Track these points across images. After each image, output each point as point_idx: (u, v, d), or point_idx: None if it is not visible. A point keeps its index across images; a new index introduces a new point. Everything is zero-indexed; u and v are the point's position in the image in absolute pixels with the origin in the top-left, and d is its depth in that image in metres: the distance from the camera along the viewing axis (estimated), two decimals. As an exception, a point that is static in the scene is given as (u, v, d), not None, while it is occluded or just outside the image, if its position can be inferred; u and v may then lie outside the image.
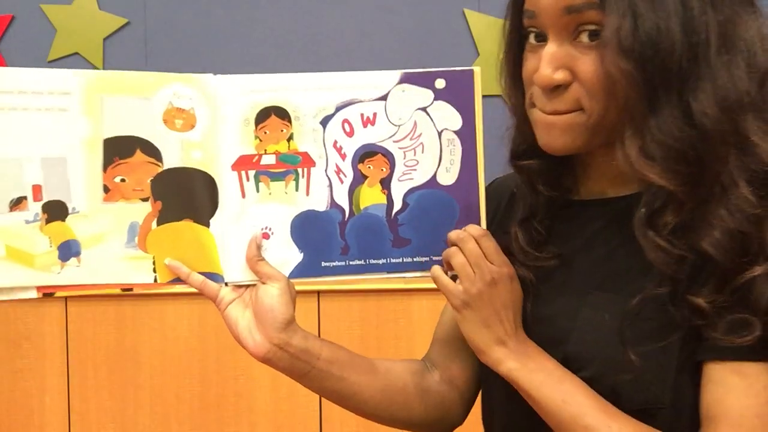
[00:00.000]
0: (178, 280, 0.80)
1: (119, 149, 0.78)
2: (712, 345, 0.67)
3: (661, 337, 0.68)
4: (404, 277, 0.83)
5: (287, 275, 0.81)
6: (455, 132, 0.82)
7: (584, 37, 0.68)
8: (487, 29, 1.95)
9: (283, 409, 1.98)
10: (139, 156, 0.78)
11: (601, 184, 0.77)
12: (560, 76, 0.69)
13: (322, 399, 1.93)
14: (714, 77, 0.65)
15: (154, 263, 0.79)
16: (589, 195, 0.78)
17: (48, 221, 0.76)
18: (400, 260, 0.82)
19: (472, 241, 0.74)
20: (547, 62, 0.69)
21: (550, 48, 0.69)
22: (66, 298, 1.96)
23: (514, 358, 0.72)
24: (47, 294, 0.78)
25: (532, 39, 0.72)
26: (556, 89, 0.70)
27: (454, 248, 0.75)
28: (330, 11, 2.08)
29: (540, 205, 0.78)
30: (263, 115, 0.81)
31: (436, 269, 0.77)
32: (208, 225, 0.80)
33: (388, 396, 0.85)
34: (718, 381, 0.67)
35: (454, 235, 0.76)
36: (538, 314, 0.76)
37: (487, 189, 0.82)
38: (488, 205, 0.82)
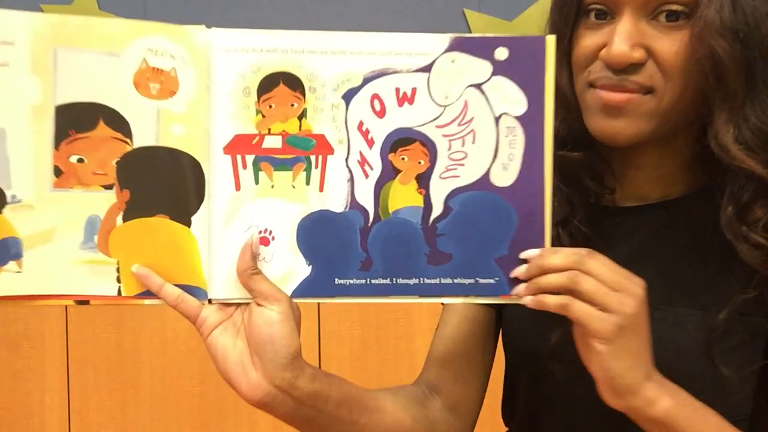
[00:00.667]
0: (147, 294, 0.61)
1: (76, 120, 0.59)
2: None
3: (747, 350, 0.66)
4: (441, 302, 0.64)
5: (290, 294, 0.62)
6: (518, 118, 0.63)
7: (662, 18, 0.65)
8: (487, 29, 1.94)
9: None
10: (102, 129, 0.59)
11: (642, 189, 0.72)
12: (638, 53, 0.65)
13: None
14: None
15: (118, 270, 0.61)
16: (627, 200, 0.73)
17: (-22, 211, 0.58)
18: (437, 281, 0.63)
19: (595, 261, 0.59)
20: (623, 39, 0.64)
21: (626, 24, 0.65)
22: None
23: (667, 393, 0.61)
24: (-24, 304, 0.59)
25: (592, 16, 0.67)
26: (626, 69, 0.65)
27: (573, 273, 0.59)
28: (330, 11, 2.04)
29: (580, 205, 0.72)
30: (269, 84, 0.62)
31: (569, 303, 0.59)
32: (189, 224, 0.61)
33: None
34: None
35: (561, 257, 0.60)
36: None
37: None
38: None
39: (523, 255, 0.62)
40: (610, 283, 0.59)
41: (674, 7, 0.64)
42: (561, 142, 0.69)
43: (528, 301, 0.61)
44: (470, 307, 0.78)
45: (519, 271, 0.62)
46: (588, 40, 0.67)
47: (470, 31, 1.96)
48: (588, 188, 0.72)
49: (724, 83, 0.63)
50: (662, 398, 0.60)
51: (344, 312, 1.88)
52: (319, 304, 1.80)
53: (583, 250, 0.60)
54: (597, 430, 0.70)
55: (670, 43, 0.65)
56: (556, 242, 0.67)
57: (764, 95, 0.64)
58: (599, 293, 0.58)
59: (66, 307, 1.90)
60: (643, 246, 0.71)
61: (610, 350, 0.58)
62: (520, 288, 0.62)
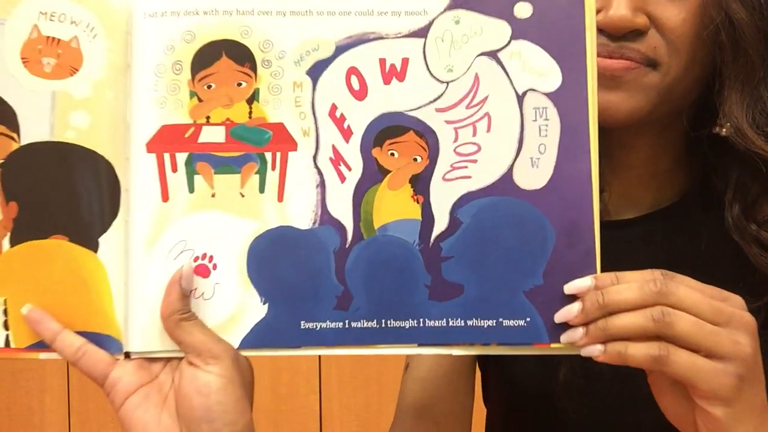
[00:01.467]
0: (42, 345, 0.44)
1: (-59, 107, 0.43)
2: None
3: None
4: (451, 353, 0.46)
5: (238, 343, 0.45)
6: (549, 95, 0.46)
7: None
8: None
9: (283, 409, 1.93)
10: (-24, 120, 0.43)
11: (636, 190, 0.61)
12: (641, 19, 0.55)
13: (322, 399, 1.89)
14: None
15: (5, 312, 0.44)
16: (620, 209, 0.61)
17: None
18: (443, 323, 0.46)
19: (684, 287, 0.44)
20: (624, 1, 0.54)
21: None
22: None
23: None
24: None
25: None
26: (626, 36, 0.54)
27: (658, 311, 0.43)
28: None
29: None
30: (208, 56, 0.46)
31: (669, 354, 0.43)
32: (95, 247, 0.45)
33: None
34: None
35: (634, 289, 0.44)
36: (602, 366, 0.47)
37: None
38: None
39: (570, 288, 0.44)
40: (709, 315, 0.44)
41: None
42: None
43: (596, 352, 0.43)
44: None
45: (570, 313, 0.44)
46: None
47: None
48: None
49: (740, 57, 0.55)
50: None
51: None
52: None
53: (656, 272, 0.45)
54: None
55: (677, 11, 0.56)
56: None
57: None
58: (702, 334, 0.43)
59: None
60: (643, 262, 0.54)
61: (730, 413, 0.43)
62: (576, 334, 0.44)
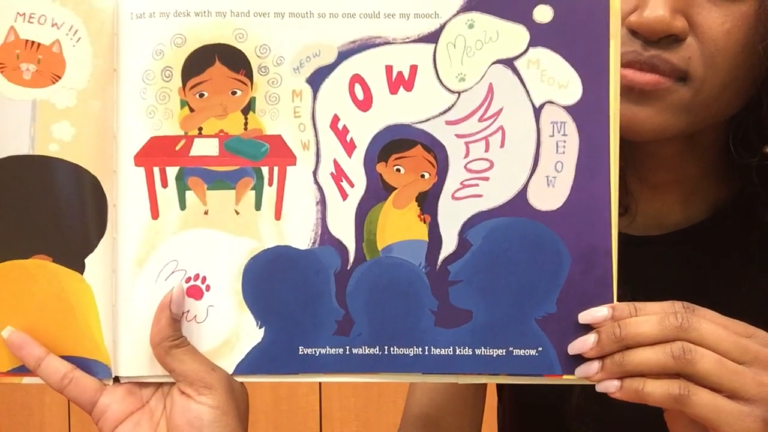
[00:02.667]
0: (24, 369, 0.42)
1: None
2: None
3: None
4: (458, 382, 0.44)
5: (233, 369, 0.43)
6: (568, 108, 0.43)
7: None
8: None
9: (283, 409, 1.93)
10: (-50, 132, 0.40)
11: (663, 207, 0.58)
12: (681, 22, 0.49)
13: (322, 399, 1.88)
14: None
15: (-17, 336, 0.42)
16: (645, 226, 0.58)
17: None
18: (450, 351, 0.43)
19: (707, 323, 0.42)
20: (664, 1, 0.49)
21: None
22: None
23: None
24: None
25: None
26: (660, 42, 0.49)
27: (678, 347, 0.41)
28: None
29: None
30: (200, 61, 0.43)
31: (690, 394, 0.41)
32: (81, 268, 0.42)
33: None
34: None
35: (654, 322, 0.42)
36: None
37: None
38: None
39: (585, 318, 0.42)
40: (734, 353, 0.41)
41: None
42: None
43: (612, 389, 0.41)
44: None
45: (585, 345, 0.42)
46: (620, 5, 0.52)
47: None
48: None
49: None
50: None
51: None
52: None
53: (678, 304, 0.42)
54: None
55: (722, 19, 0.50)
56: None
57: None
58: (725, 374, 0.41)
59: None
60: (670, 283, 0.56)
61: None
62: (591, 369, 0.42)
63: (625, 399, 0.41)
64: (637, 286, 0.48)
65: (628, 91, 0.49)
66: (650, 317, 0.41)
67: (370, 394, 1.89)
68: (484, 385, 0.66)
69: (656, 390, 0.40)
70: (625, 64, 0.49)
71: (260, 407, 1.92)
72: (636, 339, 0.41)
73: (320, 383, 1.80)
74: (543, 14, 0.43)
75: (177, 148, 0.43)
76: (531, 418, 0.61)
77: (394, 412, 1.88)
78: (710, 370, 0.40)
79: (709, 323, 0.41)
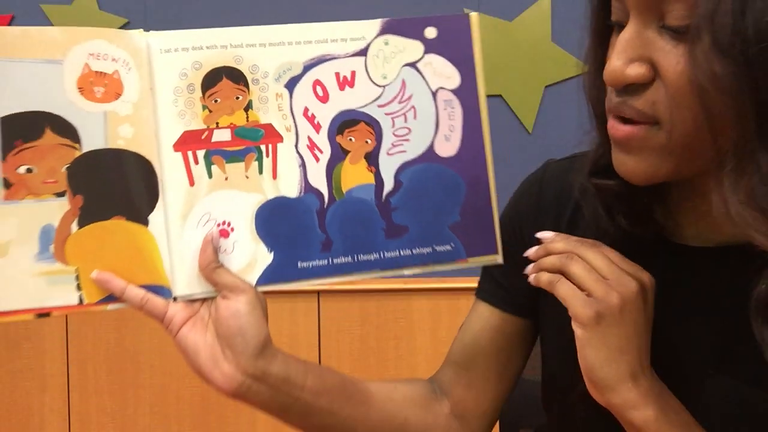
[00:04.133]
0: (111, 298, 0.61)
1: (22, 130, 0.59)
2: None
3: None
4: (402, 276, 0.67)
5: (254, 283, 0.64)
6: (453, 91, 0.67)
7: (673, 20, 0.50)
8: (487, 29, 1.93)
9: None
10: (49, 137, 0.60)
11: (711, 221, 0.59)
12: (634, 71, 0.52)
13: None
14: None
15: (78, 278, 0.61)
16: (693, 238, 0.61)
17: (-75, 231, 0.57)
18: (397, 253, 0.66)
19: (593, 251, 0.58)
20: (619, 51, 0.52)
21: (627, 32, 0.52)
22: None
23: (652, 403, 0.56)
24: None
25: (617, 29, 0.55)
26: (627, 90, 0.53)
27: (565, 256, 0.58)
28: (329, 12, 2.00)
29: (617, 239, 0.61)
30: (212, 79, 0.64)
31: (557, 281, 0.58)
32: (146, 223, 0.62)
33: None
34: None
35: (563, 242, 0.59)
36: None
37: (543, 177, 0.71)
38: (540, 198, 0.70)
39: (538, 235, 0.62)
40: (603, 272, 0.56)
41: (677, 11, 0.49)
42: (600, 167, 0.61)
43: (531, 278, 0.60)
44: (495, 315, 0.74)
45: (530, 251, 0.61)
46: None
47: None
48: (628, 223, 0.61)
49: (721, 120, 0.48)
50: (645, 406, 0.56)
51: (344, 312, 1.92)
52: (319, 304, 1.91)
53: (590, 241, 0.59)
54: None
55: (676, 59, 0.50)
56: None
57: None
58: (587, 278, 0.56)
59: None
60: (706, 297, 0.60)
61: (585, 336, 0.56)
62: (530, 267, 0.61)
63: (531, 282, 0.59)
64: (668, 291, 0.57)
65: (616, 143, 0.55)
66: (565, 239, 0.59)
67: None
68: (528, 342, 0.74)
69: (542, 277, 0.59)
70: (610, 112, 0.55)
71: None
72: (552, 250, 0.59)
73: None
74: (431, 33, 0.67)
75: (202, 137, 0.64)
76: (550, 389, 0.72)
77: None
78: (576, 272, 0.57)
79: (595, 251, 0.57)
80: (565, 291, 0.57)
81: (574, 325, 0.57)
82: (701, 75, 0.48)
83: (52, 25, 1.98)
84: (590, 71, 0.59)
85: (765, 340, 0.52)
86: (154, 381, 1.99)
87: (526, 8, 1.92)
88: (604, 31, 0.57)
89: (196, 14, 2.04)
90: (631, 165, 0.55)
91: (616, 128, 0.54)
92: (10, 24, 2.01)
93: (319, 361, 1.91)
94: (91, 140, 0.61)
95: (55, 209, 0.60)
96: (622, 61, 0.52)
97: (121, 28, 1.95)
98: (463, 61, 0.67)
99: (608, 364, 0.56)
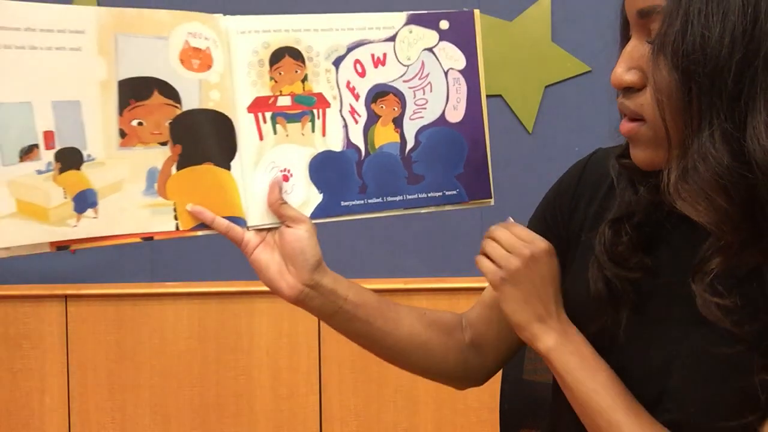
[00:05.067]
0: (201, 227, 0.79)
1: (136, 91, 0.75)
2: None
3: None
4: (420, 213, 0.87)
5: (309, 216, 0.82)
6: (460, 71, 0.87)
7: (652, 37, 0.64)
8: (487, 29, 1.94)
9: (283, 409, 2.02)
10: (156, 98, 0.76)
11: None
12: (629, 77, 0.65)
13: (322, 399, 1.98)
14: None
15: (175, 210, 0.78)
16: None
17: (62, 171, 0.73)
18: (416, 196, 0.86)
19: (501, 229, 0.77)
20: (621, 60, 0.66)
21: (629, 45, 0.66)
22: (66, 297, 1.98)
23: (553, 336, 0.73)
24: (61, 248, 0.74)
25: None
26: (625, 92, 0.66)
27: (485, 238, 0.77)
28: (328, 11, 2.01)
29: (640, 206, 0.72)
30: (277, 56, 0.81)
31: (478, 258, 0.78)
32: (228, 168, 0.80)
33: (408, 347, 0.87)
34: None
35: (489, 230, 0.78)
36: (635, 335, 0.72)
37: (589, 159, 0.84)
38: (580, 179, 0.82)
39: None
40: (505, 245, 0.75)
41: (653, 30, 0.62)
42: (626, 147, 0.72)
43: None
44: None
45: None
46: None
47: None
48: (649, 192, 0.70)
49: (674, 115, 0.60)
50: (545, 338, 0.73)
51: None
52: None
53: (508, 224, 0.78)
54: None
55: (658, 68, 0.62)
56: (600, 237, 0.73)
57: (710, 133, 0.59)
58: (493, 252, 0.75)
59: (66, 307, 1.97)
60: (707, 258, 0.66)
61: (500, 296, 0.75)
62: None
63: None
64: (677, 255, 0.67)
65: (624, 135, 0.67)
66: (494, 228, 0.77)
67: (370, 394, 1.95)
68: None
69: (476, 257, 0.78)
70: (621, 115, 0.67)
71: (260, 407, 1.99)
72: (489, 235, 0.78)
73: (320, 383, 1.97)
74: (444, 24, 0.87)
75: (269, 102, 0.82)
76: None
77: (393, 412, 1.96)
78: (487, 249, 0.76)
79: (501, 229, 0.75)
80: (481, 264, 0.76)
81: (492, 288, 0.76)
82: (658, 81, 0.61)
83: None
84: None
85: (699, 299, 0.63)
86: (154, 381, 2.00)
87: (526, 8, 1.94)
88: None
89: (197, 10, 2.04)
90: (636, 154, 0.68)
91: (621, 124, 0.68)
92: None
93: (319, 363, 1.97)
94: (189, 101, 0.78)
95: (159, 155, 0.77)
96: (622, 69, 0.65)
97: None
98: (468, 47, 0.87)
99: (518, 311, 0.74)
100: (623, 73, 0.65)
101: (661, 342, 0.71)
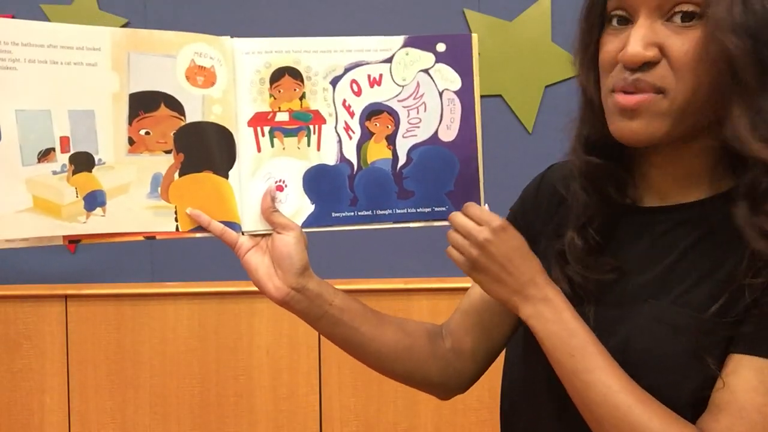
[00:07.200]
0: (199, 229, 0.88)
1: (144, 103, 0.85)
2: (751, 340, 0.70)
3: (727, 342, 0.71)
4: (408, 227, 0.92)
5: (300, 224, 0.89)
6: (455, 92, 0.92)
7: (677, 19, 0.70)
8: (487, 29, 2.00)
9: (283, 409, 2.05)
10: (163, 110, 0.85)
11: (664, 190, 0.79)
12: (651, 52, 0.70)
13: (322, 399, 2.02)
14: None
15: (176, 212, 0.87)
16: (649, 200, 0.81)
17: (75, 172, 0.83)
18: (405, 211, 0.92)
19: (458, 215, 0.83)
20: (638, 39, 0.71)
21: (641, 26, 0.71)
22: (66, 297, 2.04)
23: (531, 305, 0.78)
24: (73, 242, 0.84)
25: (614, 23, 0.75)
26: (641, 68, 0.71)
27: (450, 229, 0.84)
28: (329, 11, 2.10)
29: (598, 212, 0.80)
30: (277, 75, 0.89)
31: (448, 248, 0.84)
32: (227, 177, 0.88)
33: (392, 353, 0.93)
34: (738, 372, 0.70)
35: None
36: (599, 321, 0.79)
37: (544, 174, 0.91)
38: (538, 190, 0.90)
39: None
40: (463, 232, 0.81)
41: (687, 8, 0.69)
42: (590, 146, 0.80)
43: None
44: None
45: None
46: (610, 45, 0.74)
47: (470, 31, 2.01)
48: (609, 194, 0.80)
49: (738, 78, 0.67)
50: (523, 308, 0.78)
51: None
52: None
53: (464, 208, 0.83)
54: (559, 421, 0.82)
55: (681, 42, 0.69)
56: (571, 245, 0.80)
57: None
58: (456, 242, 0.82)
59: (66, 307, 2.06)
60: (653, 244, 0.78)
61: (473, 278, 0.82)
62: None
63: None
64: (634, 242, 0.76)
65: (621, 112, 0.71)
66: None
67: (370, 394, 2.00)
68: (512, 319, 0.91)
69: (446, 249, 0.84)
70: (618, 89, 0.71)
71: (260, 407, 2.04)
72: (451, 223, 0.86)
73: (320, 383, 2.01)
74: (441, 47, 0.93)
75: (268, 117, 0.90)
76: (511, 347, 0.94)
77: (394, 412, 2.00)
78: (451, 239, 0.82)
79: (459, 216, 0.81)
80: (450, 255, 0.82)
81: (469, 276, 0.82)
82: (720, 49, 0.67)
83: (51, 24, 2.10)
84: (582, 66, 0.78)
85: (754, 233, 0.69)
86: (154, 381, 2.05)
87: (526, 8, 1.98)
88: (597, 29, 0.77)
89: (194, 14, 2.09)
90: (636, 128, 0.72)
91: (626, 98, 0.71)
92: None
93: (320, 363, 2.02)
94: (192, 114, 0.87)
95: (163, 162, 0.87)
96: (640, 46, 0.70)
97: (120, 27, 2.06)
98: (464, 70, 0.93)
99: (494, 291, 0.81)
100: (643, 50, 0.70)
101: (624, 324, 0.77)
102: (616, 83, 0.73)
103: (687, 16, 0.70)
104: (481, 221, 0.81)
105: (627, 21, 0.74)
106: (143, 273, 2.07)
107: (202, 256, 2.01)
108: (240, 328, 2.05)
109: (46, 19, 2.09)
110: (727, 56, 0.67)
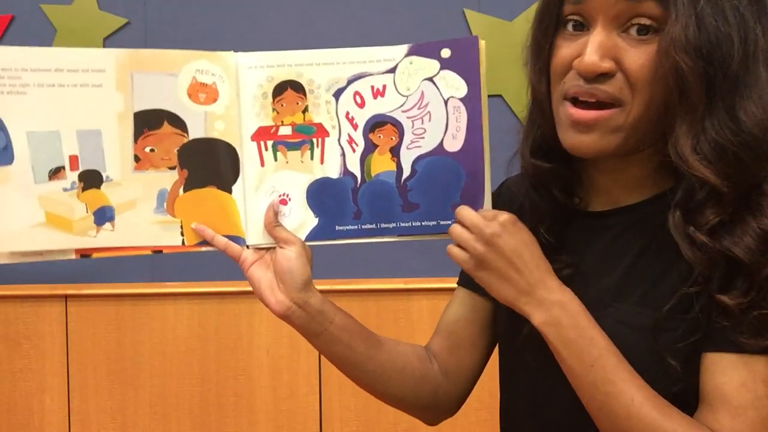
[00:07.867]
0: (204, 243, 0.90)
1: (148, 121, 0.88)
2: (723, 337, 0.71)
3: (692, 344, 0.72)
4: (414, 240, 0.90)
5: (303, 238, 0.90)
6: (461, 99, 0.90)
7: (633, 31, 0.71)
8: (487, 29, 1.99)
9: (283, 409, 2.06)
10: (166, 127, 0.88)
11: (611, 194, 0.81)
12: (607, 64, 0.71)
13: (322, 399, 2.00)
14: (762, 88, 0.70)
15: (181, 227, 0.89)
16: (599, 204, 0.82)
17: (84, 189, 0.87)
18: (410, 224, 0.90)
19: (465, 209, 0.81)
20: (594, 49, 0.71)
21: (598, 36, 0.72)
22: (66, 297, 2.09)
23: (544, 310, 0.75)
24: (84, 256, 0.88)
25: (569, 27, 0.75)
26: (597, 79, 0.72)
27: (454, 223, 0.82)
28: (329, 11, 2.09)
29: (547, 213, 0.82)
30: (280, 89, 0.90)
31: (449, 247, 0.82)
32: (230, 191, 0.89)
33: (387, 373, 0.92)
34: (723, 370, 0.71)
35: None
36: None
37: (500, 189, 0.92)
38: (499, 204, 0.88)
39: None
40: (470, 227, 0.78)
41: (644, 21, 0.70)
42: (536, 148, 0.82)
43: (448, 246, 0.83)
44: (469, 296, 0.94)
45: None
46: (564, 50, 0.75)
47: (470, 31, 2.01)
48: (557, 197, 0.82)
49: (686, 97, 0.69)
50: (536, 314, 0.75)
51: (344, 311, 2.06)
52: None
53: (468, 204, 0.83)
54: (563, 413, 0.80)
55: (638, 56, 0.70)
56: None
57: (722, 110, 0.69)
58: (460, 238, 0.79)
59: (66, 307, 2.10)
60: (607, 248, 0.80)
61: (480, 281, 0.79)
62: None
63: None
64: (581, 248, 0.78)
65: (576, 125, 0.73)
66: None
67: (370, 394, 2.04)
68: (491, 327, 0.93)
69: (447, 247, 0.82)
70: (573, 93, 0.73)
71: (260, 407, 2.04)
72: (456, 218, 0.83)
73: (320, 383, 2.00)
74: (446, 53, 0.90)
75: (271, 131, 0.91)
76: (500, 352, 0.92)
77: (394, 412, 1.83)
78: (453, 234, 0.80)
79: (465, 210, 0.79)
80: (451, 252, 0.80)
81: (471, 276, 0.79)
82: (672, 66, 0.68)
83: (51, 25, 2.10)
84: (534, 68, 0.78)
85: (686, 242, 0.71)
86: (154, 381, 2.04)
87: (526, 8, 1.94)
88: (551, 35, 0.77)
89: (194, 15, 2.09)
90: (588, 142, 0.74)
91: (580, 113, 0.73)
92: (9, 24, 2.11)
93: (320, 363, 1.99)
94: (195, 131, 0.89)
95: (168, 178, 0.89)
96: (598, 56, 0.71)
97: (120, 28, 2.10)
98: (470, 75, 0.90)
99: (500, 291, 0.77)
100: (599, 60, 0.71)
101: None
102: (569, 89, 0.73)
103: (643, 30, 0.71)
104: (487, 217, 0.79)
105: (582, 26, 0.73)
106: (143, 273, 2.08)
107: (202, 256, 2.01)
108: (240, 328, 2.05)
109: (46, 18, 2.11)
110: (678, 74, 0.68)
